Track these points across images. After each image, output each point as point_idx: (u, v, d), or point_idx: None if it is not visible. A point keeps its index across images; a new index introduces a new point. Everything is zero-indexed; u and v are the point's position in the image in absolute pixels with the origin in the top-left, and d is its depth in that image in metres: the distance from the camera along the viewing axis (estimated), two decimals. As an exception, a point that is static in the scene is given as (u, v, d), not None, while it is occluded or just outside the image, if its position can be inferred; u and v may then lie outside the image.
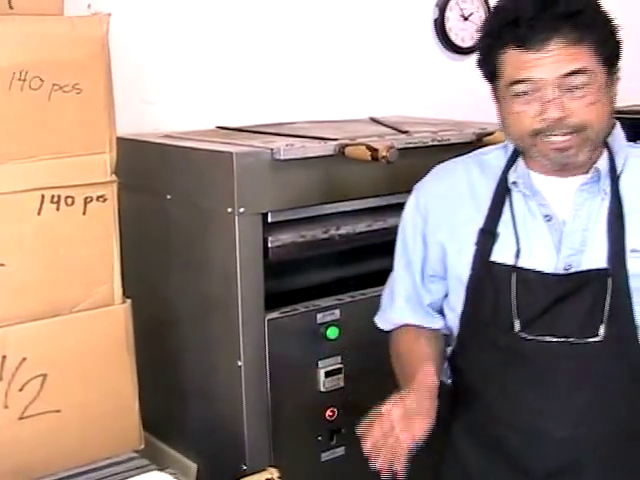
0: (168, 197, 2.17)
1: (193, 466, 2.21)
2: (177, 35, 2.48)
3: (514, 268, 1.72)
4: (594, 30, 1.61)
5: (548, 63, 1.60)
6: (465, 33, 3.05)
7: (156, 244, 2.26)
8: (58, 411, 1.86)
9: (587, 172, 1.71)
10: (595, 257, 1.69)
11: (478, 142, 2.24)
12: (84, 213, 1.84)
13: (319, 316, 2.14)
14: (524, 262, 1.72)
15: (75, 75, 1.77)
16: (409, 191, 2.06)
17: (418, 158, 2.12)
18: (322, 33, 2.74)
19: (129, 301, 1.94)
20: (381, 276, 2.21)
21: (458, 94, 2.92)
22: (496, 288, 1.74)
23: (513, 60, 1.62)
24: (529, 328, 1.71)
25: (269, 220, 2.04)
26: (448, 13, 3.00)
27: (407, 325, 1.88)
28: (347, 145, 2.06)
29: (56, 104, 1.76)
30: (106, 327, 1.90)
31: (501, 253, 1.74)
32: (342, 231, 2.16)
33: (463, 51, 3.05)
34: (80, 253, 1.85)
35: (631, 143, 1.80)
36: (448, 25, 3.00)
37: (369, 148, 2.01)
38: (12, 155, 1.74)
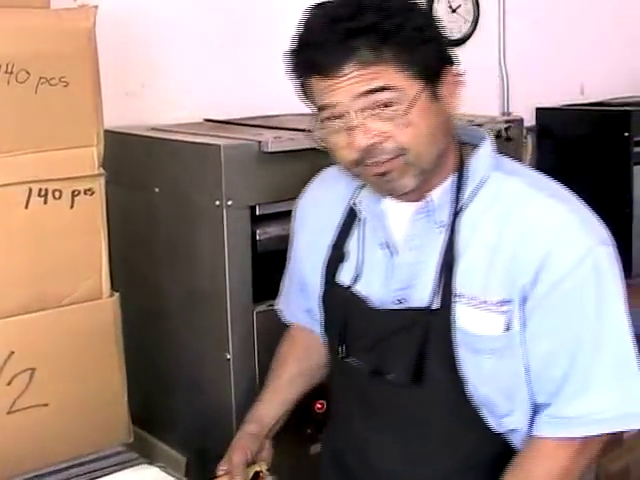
0: (156, 190, 2.16)
1: (182, 459, 2.21)
2: (164, 28, 2.48)
3: (350, 293, 1.65)
4: (396, 44, 1.43)
5: (342, 87, 1.44)
6: (453, 25, 3.05)
7: (144, 237, 2.25)
8: (46, 405, 1.86)
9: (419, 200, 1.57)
10: (425, 295, 1.55)
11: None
12: (72, 206, 1.84)
13: (307, 308, 2.14)
14: (361, 288, 1.64)
15: (62, 68, 1.77)
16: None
17: (406, 150, 2.12)
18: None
19: (117, 294, 1.93)
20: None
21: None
22: (336, 309, 1.69)
23: (315, 87, 1.49)
24: (355, 357, 1.64)
25: (257, 213, 2.04)
26: (436, 5, 3.00)
27: (298, 330, 1.90)
28: (335, 137, 2.05)
29: (43, 97, 1.76)
30: (94, 320, 1.90)
31: (346, 274, 1.67)
32: (330, 224, 2.16)
33: (451, 43, 3.04)
34: (68, 246, 1.85)
35: (498, 162, 1.59)
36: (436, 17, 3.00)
37: (357, 140, 2.01)
38: (-1, 148, 1.74)
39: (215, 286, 2.04)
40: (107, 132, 1.88)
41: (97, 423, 1.93)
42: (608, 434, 1.53)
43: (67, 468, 1.84)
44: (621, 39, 3.59)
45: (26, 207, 1.79)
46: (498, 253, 1.51)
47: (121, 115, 2.29)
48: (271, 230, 2.07)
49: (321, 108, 1.50)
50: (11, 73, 1.71)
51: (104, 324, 1.92)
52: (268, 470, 1.77)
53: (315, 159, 2.07)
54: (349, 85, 1.44)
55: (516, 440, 1.60)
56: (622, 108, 3.06)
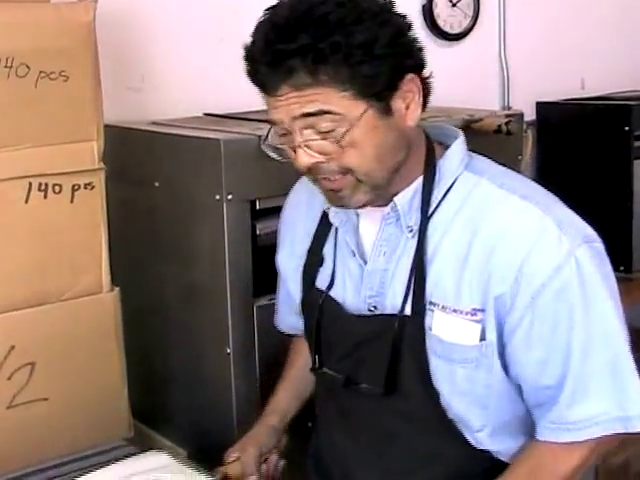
0: (156, 184, 2.16)
1: (183, 453, 2.21)
2: (164, 22, 2.47)
3: (325, 299, 1.62)
4: (334, 64, 1.35)
5: (282, 106, 1.40)
6: (453, 19, 3.04)
7: (144, 232, 2.25)
8: (46, 399, 1.86)
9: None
10: (397, 302, 1.51)
11: (466, 129, 2.24)
12: (72, 201, 1.84)
13: (308, 303, 2.14)
14: (336, 294, 1.61)
15: (62, 62, 1.77)
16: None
17: (406, 145, 2.12)
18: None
19: (117, 289, 1.94)
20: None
21: (446, 81, 2.90)
22: (312, 315, 1.66)
23: (265, 99, 1.46)
24: (329, 367, 1.62)
25: (257, 207, 2.04)
26: (436, -1, 3.00)
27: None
28: (335, 132, 2.05)
29: (43, 91, 1.76)
30: (94, 315, 1.90)
31: (322, 279, 1.64)
32: (330, 218, 2.16)
33: (451, 37, 3.05)
34: (68, 241, 1.85)
35: (469, 162, 1.54)
36: (436, 11, 2.99)
37: (357, 134, 2.00)
38: (-2, 143, 1.74)
39: (215, 280, 2.03)
40: (107, 126, 1.88)
41: (97, 417, 1.94)
42: (616, 434, 1.49)
43: (67, 462, 1.84)
44: (622, 33, 3.58)
45: (26, 202, 1.79)
46: (468, 260, 1.46)
47: (121, 109, 2.29)
48: (271, 224, 2.06)
49: (269, 122, 1.48)
50: (11, 67, 1.71)
51: (104, 318, 1.92)
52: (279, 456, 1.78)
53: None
54: (287, 106, 1.40)
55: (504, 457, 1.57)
56: (623, 102, 3.05)
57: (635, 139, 2.92)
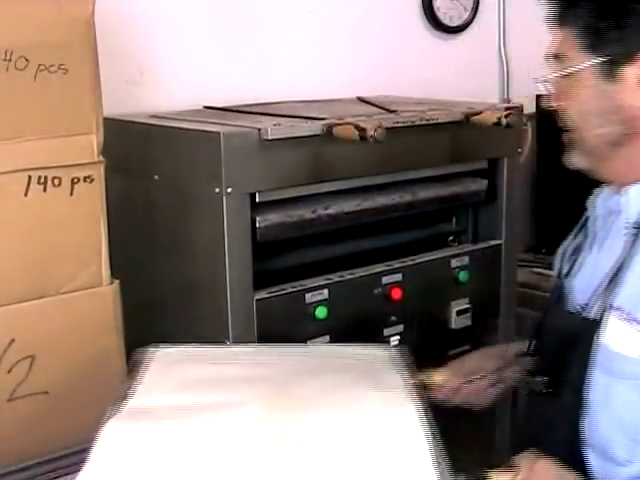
0: (155, 177, 2.16)
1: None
2: (164, 15, 2.47)
3: (559, 286, 1.59)
4: (581, 12, 1.41)
5: (551, 41, 1.50)
6: (453, 12, 3.03)
7: (143, 225, 2.25)
8: (46, 393, 1.86)
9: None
10: (585, 300, 1.49)
11: (466, 121, 2.24)
12: (71, 194, 1.84)
13: (308, 296, 2.14)
14: (567, 283, 1.57)
15: (61, 55, 1.77)
16: (397, 170, 2.05)
17: (406, 137, 2.11)
18: (309, 12, 2.72)
19: (117, 282, 1.94)
20: (369, 256, 2.22)
21: (446, 73, 2.91)
22: (546, 299, 1.65)
23: None
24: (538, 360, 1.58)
25: (257, 200, 2.03)
26: (436, -8, 3.00)
27: None
28: (335, 125, 2.05)
29: (42, 84, 1.76)
30: (94, 308, 1.90)
31: (569, 268, 1.61)
32: (330, 211, 2.16)
33: (451, 30, 3.04)
34: (67, 234, 1.85)
35: None
36: (436, 4, 2.98)
37: (357, 128, 2.01)
38: (-2, 136, 1.74)
39: (215, 273, 2.03)
40: (106, 119, 1.88)
41: (97, 411, 1.93)
42: None
43: (67, 455, 1.84)
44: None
45: (25, 195, 1.79)
46: None
47: (120, 102, 2.29)
48: (271, 217, 2.07)
49: None
50: (10, 60, 1.71)
51: (104, 312, 1.92)
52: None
53: (315, 146, 2.08)
54: (551, 42, 1.48)
55: None
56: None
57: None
